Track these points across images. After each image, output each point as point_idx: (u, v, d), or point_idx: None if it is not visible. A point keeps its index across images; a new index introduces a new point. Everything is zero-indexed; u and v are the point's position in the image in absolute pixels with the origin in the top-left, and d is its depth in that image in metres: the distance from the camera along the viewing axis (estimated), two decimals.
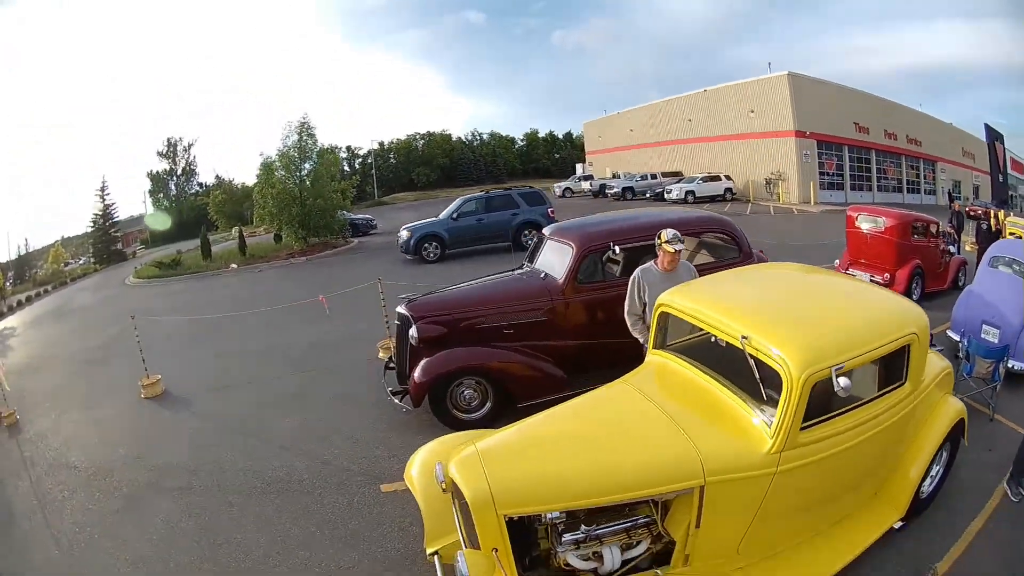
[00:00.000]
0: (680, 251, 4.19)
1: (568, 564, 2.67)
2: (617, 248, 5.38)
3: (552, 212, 15.43)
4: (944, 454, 3.66)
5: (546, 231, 6.16)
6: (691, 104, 36.40)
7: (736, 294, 3.52)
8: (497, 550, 2.50)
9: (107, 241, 36.78)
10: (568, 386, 5.17)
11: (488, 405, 5.16)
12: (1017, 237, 8.63)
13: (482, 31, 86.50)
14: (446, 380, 4.99)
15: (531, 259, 6.21)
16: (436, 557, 2.91)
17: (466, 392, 5.11)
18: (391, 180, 54.92)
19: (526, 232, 14.82)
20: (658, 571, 2.72)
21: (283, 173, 20.39)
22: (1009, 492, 3.71)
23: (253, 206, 21.22)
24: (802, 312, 3.19)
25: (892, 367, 3.09)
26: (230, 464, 4.95)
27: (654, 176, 33.25)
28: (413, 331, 5.08)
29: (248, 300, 12.45)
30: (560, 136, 68.59)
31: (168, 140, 46.15)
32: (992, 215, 10.93)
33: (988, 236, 9.54)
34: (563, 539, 2.65)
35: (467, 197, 16.09)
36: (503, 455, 2.74)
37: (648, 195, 30.95)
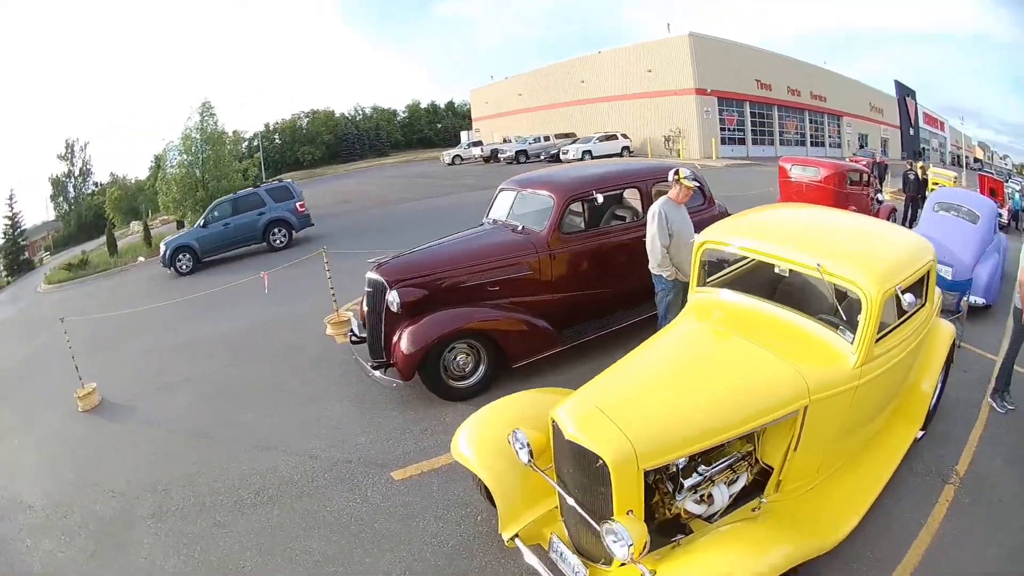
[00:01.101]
0: (694, 186, 4.69)
1: (687, 511, 2.55)
2: (600, 197, 5.45)
3: (302, 206, 15.45)
4: (941, 372, 3.96)
5: (509, 183, 6.09)
6: (584, 66, 37.52)
7: (783, 228, 3.78)
8: (632, 511, 2.34)
9: (16, 251, 33.44)
10: (561, 341, 5.17)
11: (482, 369, 5.07)
12: (940, 186, 9.69)
13: (360, 3, 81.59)
14: (441, 346, 4.80)
15: (491, 213, 6.09)
16: (517, 540, 2.66)
17: (459, 357, 4.99)
18: (278, 161, 53.45)
19: (275, 230, 15.00)
20: (763, 499, 2.75)
21: (186, 156, 19.96)
22: (995, 405, 4.43)
23: (153, 197, 19.18)
24: (850, 241, 3.50)
25: (917, 290, 3.33)
26: (202, 476, 4.43)
27: (547, 138, 33.87)
28: (393, 296, 4.82)
29: (163, 292, 12.50)
30: (442, 106, 67.87)
31: (66, 141, 41.73)
32: (885, 166, 12.09)
33: (916, 185, 10.71)
34: (684, 486, 2.64)
35: (217, 201, 15.89)
36: (624, 406, 2.63)
37: (543, 157, 31.57)
